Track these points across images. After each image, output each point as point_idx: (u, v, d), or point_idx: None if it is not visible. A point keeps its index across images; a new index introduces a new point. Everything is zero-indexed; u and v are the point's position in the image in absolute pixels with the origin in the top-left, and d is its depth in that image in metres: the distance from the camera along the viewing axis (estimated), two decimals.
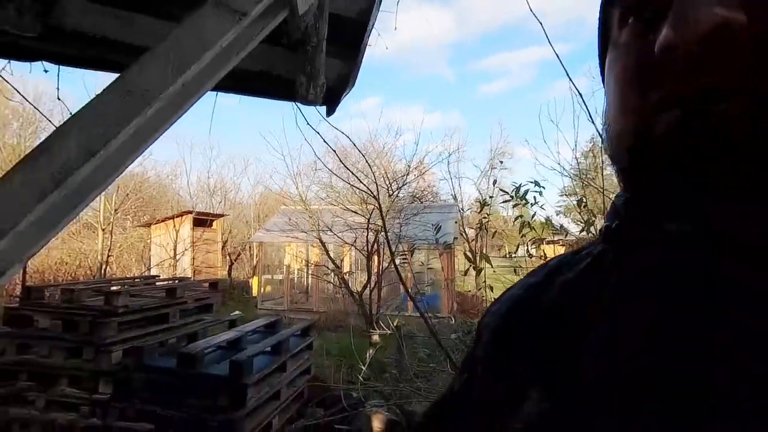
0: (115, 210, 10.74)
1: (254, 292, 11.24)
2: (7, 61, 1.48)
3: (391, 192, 7.68)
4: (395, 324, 3.67)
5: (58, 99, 1.64)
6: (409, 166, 8.86)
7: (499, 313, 0.47)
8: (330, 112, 1.77)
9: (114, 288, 4.31)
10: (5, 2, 1.16)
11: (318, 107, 1.75)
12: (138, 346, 3.37)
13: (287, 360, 3.68)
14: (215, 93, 1.80)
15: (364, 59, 1.67)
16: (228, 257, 13.94)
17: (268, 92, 1.63)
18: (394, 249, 7.32)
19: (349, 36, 1.57)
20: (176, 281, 4.94)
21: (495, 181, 3.29)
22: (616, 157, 0.41)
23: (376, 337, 5.17)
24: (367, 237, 6.64)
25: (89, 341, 3.35)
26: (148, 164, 15.68)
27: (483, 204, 3.44)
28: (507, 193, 2.55)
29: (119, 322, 3.48)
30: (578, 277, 0.41)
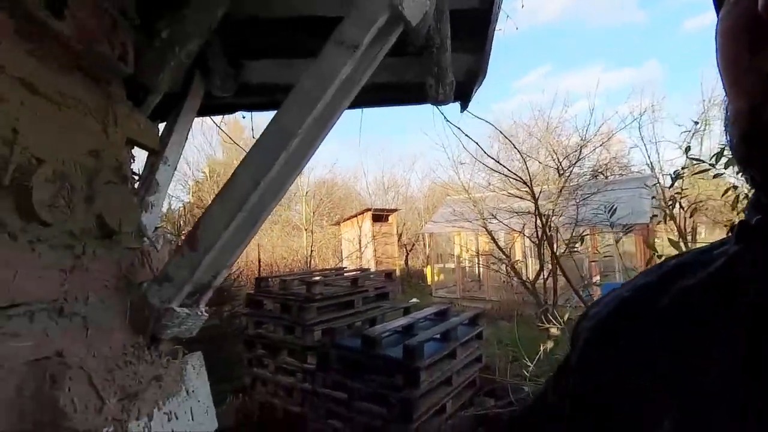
0: (313, 212, 13.02)
1: (429, 280, 11.89)
2: (221, 116, 2.00)
3: (561, 171, 6.97)
4: (566, 318, 3.35)
5: (253, 138, 2.15)
6: (582, 138, 7.83)
7: (599, 316, 0.45)
8: (464, 107, 1.77)
9: (315, 278, 5.23)
10: (212, 75, 1.58)
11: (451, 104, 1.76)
12: (332, 327, 4.04)
13: (457, 347, 3.81)
14: (360, 109, 2.01)
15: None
16: (404, 248, 15.11)
17: (400, 100, 1.74)
18: (571, 233, 6.66)
19: (474, 28, 1.54)
20: (359, 272, 5.66)
21: (688, 148, 2.55)
22: (732, 144, 0.34)
23: (554, 330, 4.82)
24: (535, 223, 6.22)
25: (298, 321, 4.18)
26: (336, 171, 18.29)
27: (676, 177, 2.81)
28: (700, 161, 2.01)
29: (318, 307, 4.24)
30: (707, 280, 0.37)
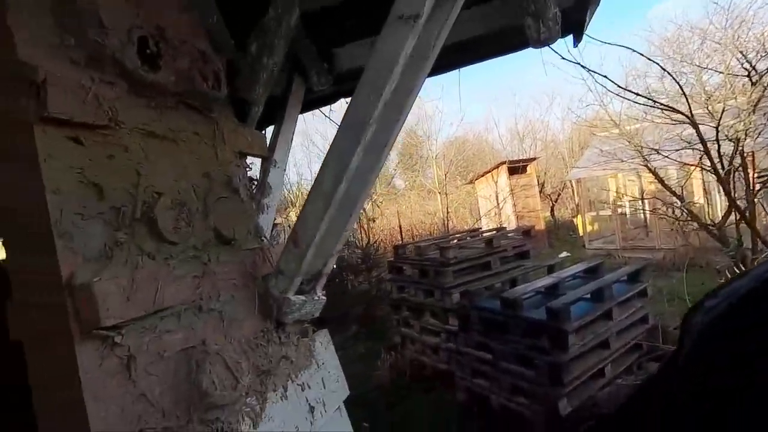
0: (445, 174, 12.95)
1: (580, 231, 10.76)
2: (329, 107, 2.13)
3: (754, 78, 5.29)
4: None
5: None
6: None
7: (718, 310, 0.42)
8: (578, 39, 1.48)
9: (450, 242, 5.28)
10: (308, 73, 1.67)
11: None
12: (469, 290, 4.05)
13: (613, 307, 3.41)
14: (457, 70, 1.87)
15: None
16: (548, 199, 13.91)
17: (496, 51, 1.54)
18: None
19: None
20: (494, 232, 5.47)
21: None
22: None
23: None
24: (718, 151, 4.93)
25: (435, 285, 4.32)
26: (464, 126, 17.70)
27: None
28: None
29: (453, 271, 4.29)
30: None
